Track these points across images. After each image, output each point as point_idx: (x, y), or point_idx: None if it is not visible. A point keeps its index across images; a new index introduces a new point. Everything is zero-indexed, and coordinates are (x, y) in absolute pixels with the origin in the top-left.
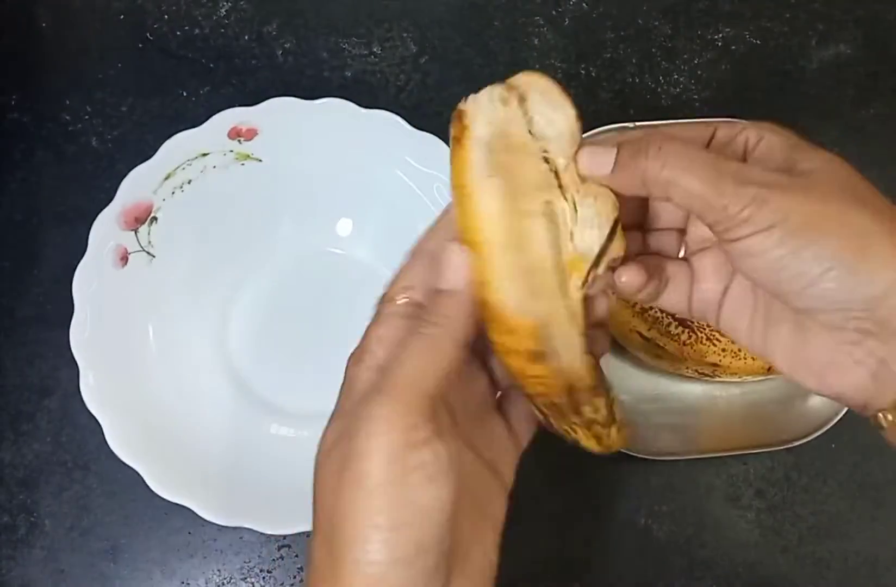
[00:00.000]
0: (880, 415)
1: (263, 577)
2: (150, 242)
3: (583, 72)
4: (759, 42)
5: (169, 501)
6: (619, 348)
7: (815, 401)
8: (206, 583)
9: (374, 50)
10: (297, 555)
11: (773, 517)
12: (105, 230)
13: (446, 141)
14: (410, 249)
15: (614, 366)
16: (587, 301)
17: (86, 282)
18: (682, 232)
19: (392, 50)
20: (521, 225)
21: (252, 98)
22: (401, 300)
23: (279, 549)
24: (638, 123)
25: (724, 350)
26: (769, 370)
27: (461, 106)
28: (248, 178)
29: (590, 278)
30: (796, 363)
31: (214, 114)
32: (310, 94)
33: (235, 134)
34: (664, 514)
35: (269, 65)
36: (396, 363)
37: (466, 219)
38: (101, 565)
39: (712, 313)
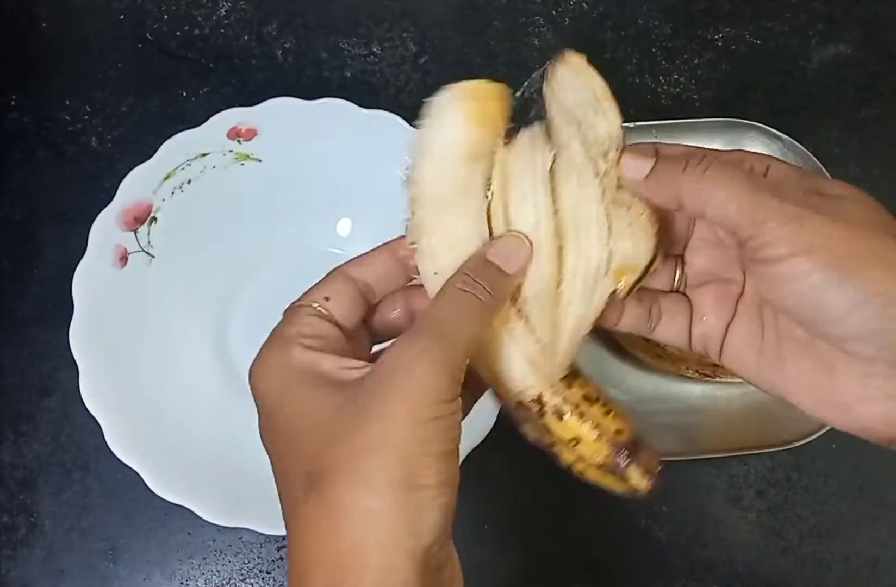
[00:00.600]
0: None
1: (263, 578)
2: (149, 242)
3: None
4: (759, 42)
5: (168, 502)
6: (619, 348)
7: None
8: (206, 584)
9: (374, 50)
10: None
11: (774, 517)
12: (105, 230)
13: None
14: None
15: (615, 367)
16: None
17: (86, 282)
18: (677, 264)
19: (392, 50)
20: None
21: (252, 98)
22: (319, 308)
23: (278, 550)
24: (638, 123)
25: None
26: None
27: None
28: (248, 178)
29: (633, 289)
30: (820, 399)
31: (214, 114)
32: (310, 94)
33: (235, 134)
34: (664, 515)
35: (269, 65)
36: (452, 319)
37: None
38: (101, 565)
39: (714, 349)
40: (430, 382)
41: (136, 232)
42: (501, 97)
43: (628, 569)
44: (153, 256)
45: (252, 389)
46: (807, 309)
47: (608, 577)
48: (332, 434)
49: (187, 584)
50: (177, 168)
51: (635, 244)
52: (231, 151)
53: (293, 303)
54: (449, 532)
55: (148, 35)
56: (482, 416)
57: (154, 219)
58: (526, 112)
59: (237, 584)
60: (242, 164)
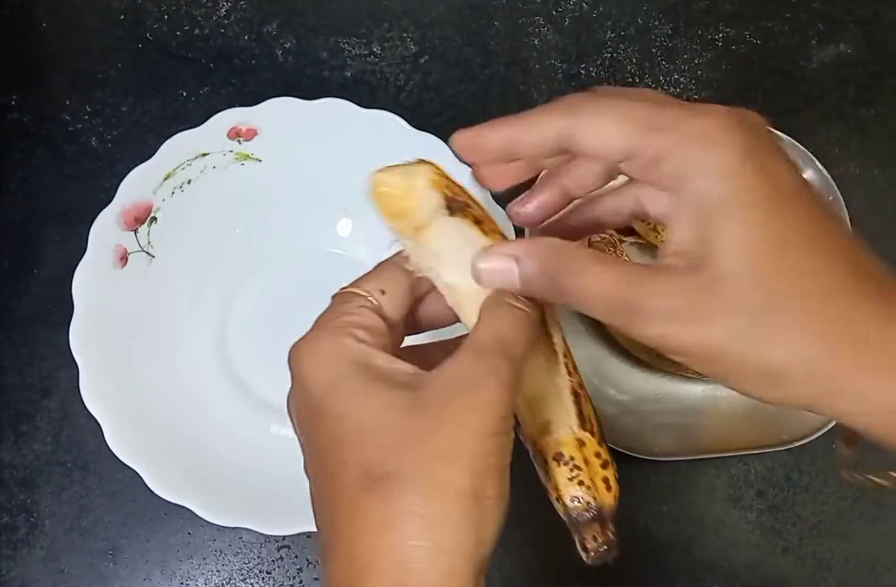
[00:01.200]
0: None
1: (263, 578)
2: (149, 242)
3: (583, 72)
4: (759, 42)
5: (168, 502)
6: (619, 348)
7: None
8: (206, 584)
9: (374, 50)
10: (296, 556)
11: (774, 517)
12: (105, 230)
13: (446, 141)
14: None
15: (614, 367)
16: None
17: (86, 282)
18: None
19: (392, 50)
20: None
21: (252, 98)
22: (373, 300)
23: (278, 550)
24: None
25: None
26: None
27: None
28: (248, 178)
29: None
30: None
31: (214, 114)
32: (310, 94)
33: (235, 134)
34: (664, 515)
35: (269, 65)
36: (514, 337)
37: None
38: (101, 565)
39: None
40: (496, 399)
41: (136, 232)
42: (410, 190)
43: (628, 569)
44: (153, 256)
45: (297, 371)
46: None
47: (608, 577)
48: (399, 437)
49: (187, 584)
50: (177, 168)
51: None
52: (231, 151)
53: (344, 289)
54: (492, 551)
55: (148, 35)
56: None
57: (154, 219)
58: None
59: (237, 584)
60: (242, 164)
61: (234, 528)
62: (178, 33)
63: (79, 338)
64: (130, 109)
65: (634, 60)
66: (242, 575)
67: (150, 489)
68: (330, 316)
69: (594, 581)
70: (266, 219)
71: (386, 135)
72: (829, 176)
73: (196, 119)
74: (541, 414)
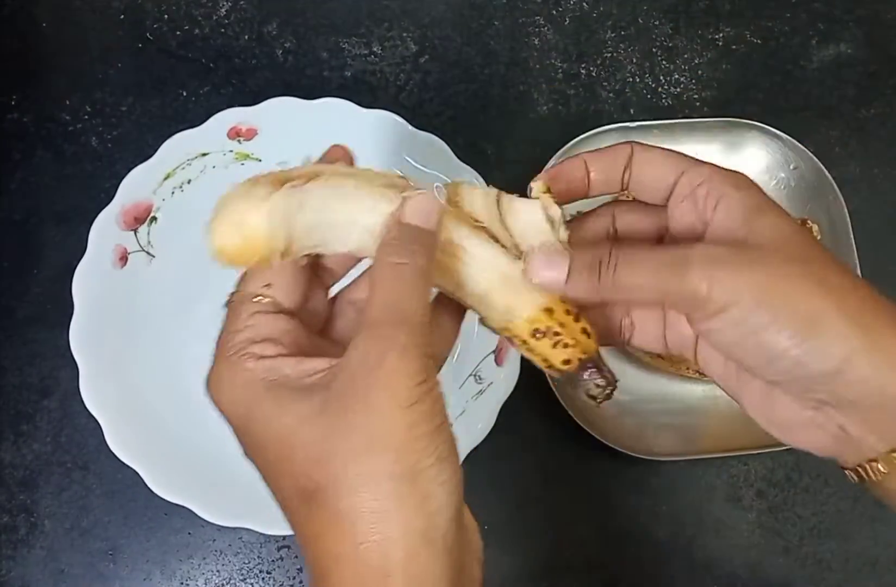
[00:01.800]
0: (848, 473)
1: (263, 578)
2: (149, 242)
3: (583, 71)
4: (759, 42)
5: (169, 501)
6: (619, 348)
7: None
8: (206, 584)
9: (374, 50)
10: (296, 556)
11: (774, 518)
12: (105, 230)
13: (446, 141)
14: None
15: (615, 367)
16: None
17: (86, 282)
18: None
19: (392, 50)
20: None
21: (252, 98)
22: (263, 299)
23: (279, 550)
24: (638, 123)
25: None
26: None
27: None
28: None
29: None
30: (766, 418)
31: (214, 114)
32: (310, 93)
33: (235, 134)
34: (664, 515)
35: (269, 65)
36: (404, 299)
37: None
38: (101, 565)
39: (689, 352)
40: (403, 370)
41: (136, 232)
42: (249, 233)
43: (629, 570)
44: (153, 256)
45: (215, 405)
46: (735, 358)
47: (608, 577)
48: (317, 446)
49: (187, 584)
50: (177, 168)
51: None
52: (231, 151)
53: (231, 295)
54: (460, 507)
55: (148, 35)
56: (482, 416)
57: (154, 219)
58: None
59: (237, 584)
60: (242, 164)
61: (234, 528)
62: (178, 33)
63: (79, 338)
64: (130, 109)
65: (634, 60)
66: (242, 575)
67: (150, 489)
68: (225, 338)
69: (594, 580)
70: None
71: (386, 135)
72: (829, 176)
73: (196, 119)
74: (498, 304)
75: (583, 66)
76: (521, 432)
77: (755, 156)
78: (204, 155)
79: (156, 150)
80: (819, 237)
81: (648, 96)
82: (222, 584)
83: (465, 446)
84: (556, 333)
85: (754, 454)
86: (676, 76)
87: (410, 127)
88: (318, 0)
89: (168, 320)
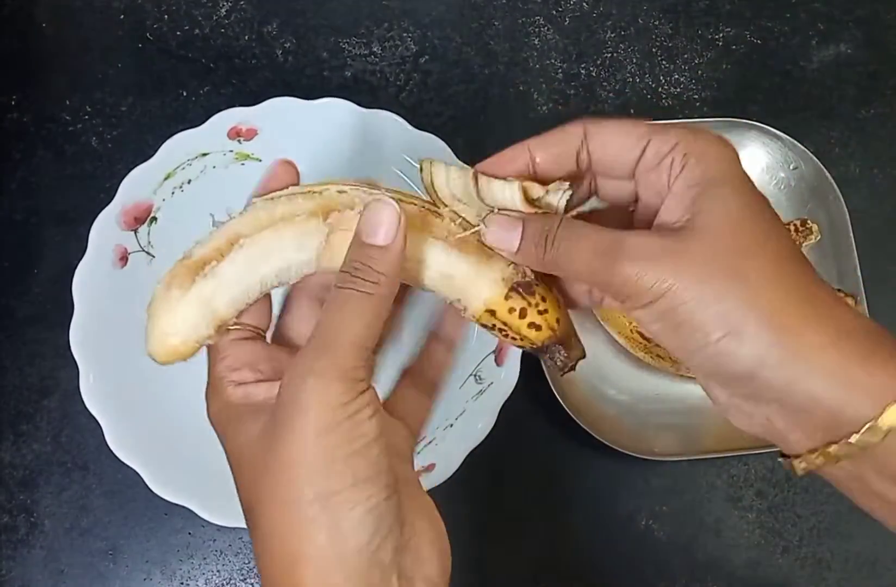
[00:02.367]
0: (783, 461)
1: None
2: (149, 242)
3: (583, 71)
4: (759, 42)
5: (169, 501)
6: (619, 348)
7: None
8: (206, 584)
9: (374, 50)
10: None
11: (774, 517)
12: (105, 230)
13: (446, 141)
14: None
15: (615, 367)
16: None
17: (86, 282)
18: None
19: (392, 50)
20: None
21: (252, 98)
22: (239, 327)
23: None
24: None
25: None
26: None
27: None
28: (248, 177)
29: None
30: (711, 398)
31: (214, 114)
32: (310, 94)
33: (235, 134)
34: (665, 515)
35: (269, 65)
36: (335, 324)
37: None
38: (101, 565)
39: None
40: (323, 394)
41: (136, 232)
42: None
43: (628, 569)
44: (153, 256)
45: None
46: (665, 347)
47: (608, 577)
48: (253, 468)
49: (187, 584)
50: (177, 168)
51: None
52: (231, 151)
53: None
54: (385, 524)
55: (148, 35)
56: (482, 416)
57: (154, 219)
58: None
59: (237, 584)
60: (242, 164)
61: (234, 528)
62: (178, 33)
63: (79, 338)
64: (130, 109)
65: (634, 60)
66: (242, 575)
67: (150, 489)
68: (211, 363)
69: (594, 581)
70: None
71: (386, 135)
72: (829, 176)
73: (196, 119)
74: (465, 297)
75: (583, 66)
76: (521, 432)
77: (755, 156)
78: (204, 155)
79: (156, 150)
80: (819, 237)
81: (648, 96)
82: (222, 584)
83: (465, 446)
84: (502, 330)
85: (754, 454)
86: (676, 76)
87: (410, 127)
88: (318, 0)
89: None
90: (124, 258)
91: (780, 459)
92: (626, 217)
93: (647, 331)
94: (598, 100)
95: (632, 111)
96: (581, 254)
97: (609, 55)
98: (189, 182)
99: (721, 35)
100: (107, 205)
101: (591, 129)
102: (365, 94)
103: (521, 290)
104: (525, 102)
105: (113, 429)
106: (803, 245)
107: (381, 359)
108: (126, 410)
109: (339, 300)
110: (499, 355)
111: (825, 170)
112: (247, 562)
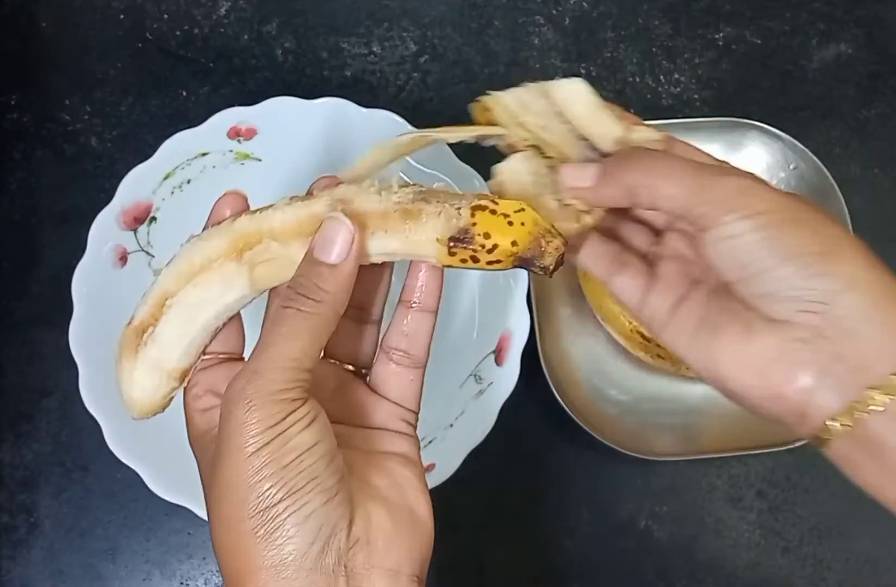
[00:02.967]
0: (828, 423)
1: None
2: (149, 242)
3: (583, 71)
4: (759, 41)
5: (169, 502)
6: (619, 348)
7: None
8: (206, 584)
9: (374, 50)
10: None
11: (774, 518)
12: (104, 230)
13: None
14: None
15: (615, 367)
16: None
17: (85, 282)
18: (655, 235)
19: (392, 49)
20: None
21: (252, 98)
22: (205, 358)
23: None
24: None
25: None
26: None
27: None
28: (248, 177)
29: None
30: (740, 364)
31: (214, 113)
32: (310, 93)
33: (235, 134)
34: (665, 515)
35: (269, 65)
36: (269, 346)
37: None
38: (101, 566)
39: (659, 322)
40: (246, 420)
41: (135, 232)
42: None
43: (628, 570)
44: (153, 256)
45: None
46: (738, 265)
47: (608, 578)
48: (208, 490)
49: (187, 584)
50: (176, 168)
51: None
52: (231, 151)
53: None
54: (334, 526)
55: (148, 35)
56: (482, 416)
57: (154, 218)
58: None
59: None
60: (242, 164)
61: None
62: (178, 33)
63: (79, 338)
64: (130, 109)
65: (634, 60)
66: None
67: (150, 489)
68: (184, 393)
69: (594, 581)
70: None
71: (386, 135)
72: (829, 176)
73: (196, 119)
74: (421, 261)
75: (583, 66)
76: (521, 432)
77: (755, 156)
78: (204, 155)
79: (156, 150)
80: None
81: (648, 96)
82: (222, 584)
83: (465, 446)
84: (472, 268)
85: (754, 454)
86: (676, 76)
87: (410, 127)
88: (318, 0)
89: None
90: (124, 258)
91: (821, 434)
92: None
93: (720, 252)
94: None
95: (632, 111)
96: (681, 170)
97: (609, 55)
98: (189, 182)
99: (721, 35)
100: (106, 205)
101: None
102: (365, 93)
103: (460, 243)
104: None
105: (113, 429)
106: None
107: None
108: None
109: (277, 320)
110: (499, 355)
111: (825, 170)
112: None
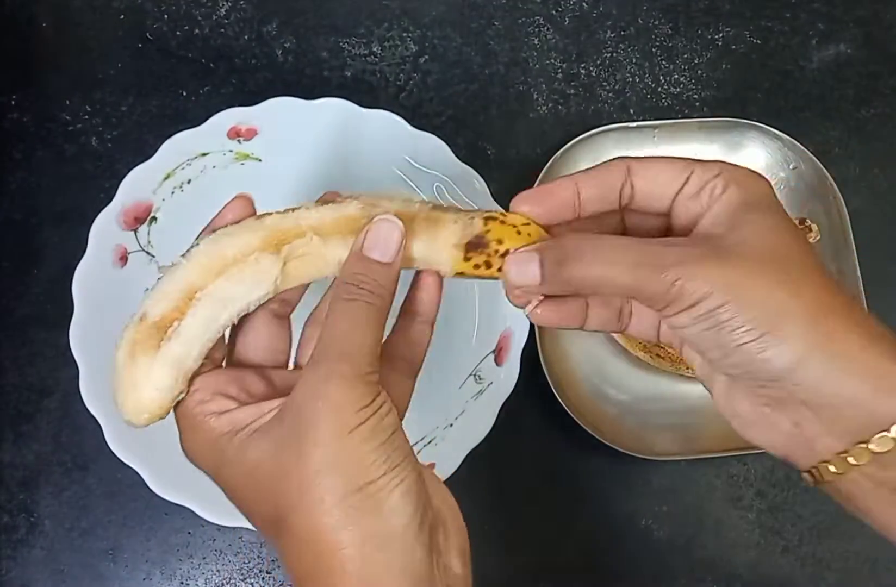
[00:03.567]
0: (804, 475)
1: (263, 578)
2: (149, 242)
3: (583, 71)
4: (759, 42)
5: (169, 501)
6: (619, 348)
7: None
8: (206, 584)
9: (374, 50)
10: None
11: (774, 517)
12: (105, 230)
13: (446, 141)
14: None
15: (615, 367)
16: None
17: (86, 282)
18: None
19: (392, 50)
20: None
21: (252, 98)
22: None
23: None
24: (638, 123)
25: None
26: None
27: None
28: (248, 177)
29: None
30: (730, 412)
31: (214, 114)
32: (310, 93)
33: (235, 134)
34: (665, 515)
35: (269, 65)
36: (349, 332)
37: None
38: (101, 565)
39: (677, 342)
40: (345, 397)
41: (136, 232)
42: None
43: (628, 569)
44: (153, 256)
45: (195, 466)
46: (698, 350)
47: (608, 577)
48: (276, 479)
49: (187, 584)
50: (177, 168)
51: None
52: (231, 151)
53: None
54: (421, 507)
55: (148, 35)
56: (482, 416)
57: (154, 218)
58: None
59: (237, 584)
60: (242, 164)
61: (234, 528)
62: (178, 33)
63: (79, 338)
64: (130, 109)
65: (634, 60)
66: (242, 575)
67: (150, 489)
68: (180, 408)
69: (594, 581)
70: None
71: (386, 135)
72: (828, 176)
73: (196, 119)
74: (435, 268)
75: (583, 66)
76: (521, 432)
77: (755, 156)
78: (204, 155)
79: (156, 150)
80: (818, 237)
81: (648, 96)
82: (222, 584)
83: (465, 446)
84: (482, 275)
85: (754, 454)
86: (676, 76)
87: (410, 127)
88: (318, 0)
89: None
90: (124, 258)
91: (804, 475)
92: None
93: (681, 336)
94: (597, 100)
95: (632, 111)
96: (619, 265)
97: (609, 55)
98: (189, 182)
99: (721, 35)
100: (107, 205)
101: (635, 164)
102: (365, 94)
103: (476, 248)
104: (525, 102)
105: (113, 429)
106: None
107: None
108: None
109: (349, 310)
110: (499, 355)
111: (825, 170)
112: (247, 561)
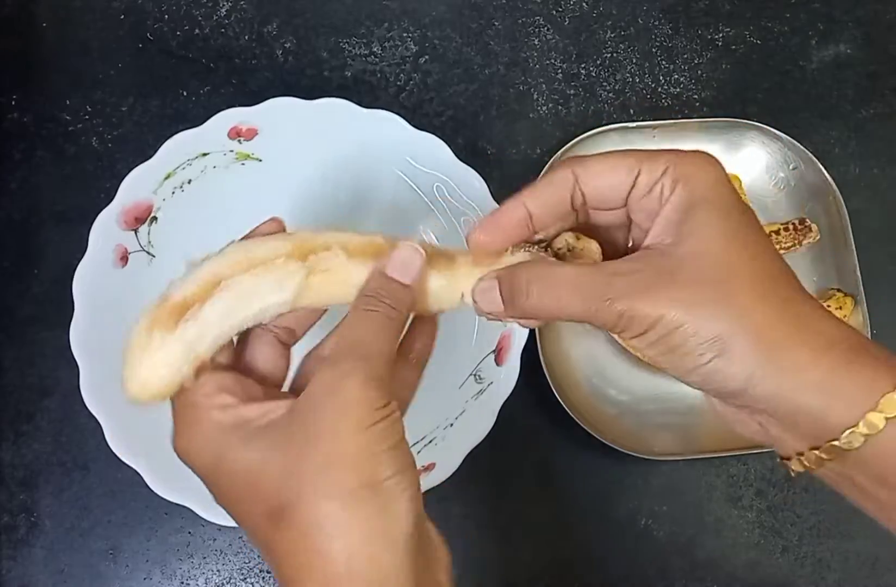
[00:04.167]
0: (786, 462)
1: (263, 577)
2: (150, 242)
3: (583, 71)
4: (759, 42)
5: (169, 501)
6: (619, 348)
7: None
8: (206, 583)
9: (374, 50)
10: None
11: (774, 517)
12: (105, 230)
13: (446, 141)
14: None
15: (615, 367)
16: None
17: (86, 282)
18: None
19: (392, 50)
20: None
21: (252, 98)
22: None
23: None
24: (638, 123)
25: None
26: None
27: None
28: (248, 177)
29: None
30: (713, 410)
31: (214, 114)
32: (310, 93)
33: (235, 134)
34: (664, 515)
35: (269, 65)
36: (368, 337)
37: None
38: (101, 565)
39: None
40: (361, 396)
41: (136, 231)
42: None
43: (628, 569)
44: (153, 256)
45: (184, 461)
46: (662, 367)
47: (608, 577)
48: (285, 469)
49: (187, 584)
50: (177, 168)
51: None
52: (231, 151)
53: None
54: (421, 515)
55: (148, 35)
56: (482, 416)
57: (154, 218)
58: None
59: (237, 584)
60: (243, 164)
61: (234, 528)
62: (178, 33)
63: (79, 338)
64: (130, 109)
65: (634, 60)
66: (242, 574)
67: (150, 489)
68: (182, 400)
69: (594, 581)
70: (265, 219)
71: (386, 135)
72: (828, 176)
73: (196, 119)
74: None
75: (583, 66)
76: (521, 432)
77: (755, 156)
78: (204, 155)
79: (156, 150)
80: (818, 236)
81: (648, 96)
82: (222, 584)
83: (465, 446)
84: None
85: (754, 454)
86: (676, 76)
87: (410, 127)
88: (318, 0)
89: None
90: (124, 258)
91: (778, 460)
92: (622, 236)
93: (642, 355)
94: (598, 100)
95: (632, 111)
96: (567, 299)
97: (609, 55)
98: (189, 182)
99: (721, 35)
100: (107, 205)
101: (579, 170)
102: (365, 94)
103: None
104: (525, 102)
105: (113, 429)
106: (802, 244)
107: None
108: (126, 410)
109: (368, 318)
110: (499, 355)
111: (825, 170)
112: (247, 561)
